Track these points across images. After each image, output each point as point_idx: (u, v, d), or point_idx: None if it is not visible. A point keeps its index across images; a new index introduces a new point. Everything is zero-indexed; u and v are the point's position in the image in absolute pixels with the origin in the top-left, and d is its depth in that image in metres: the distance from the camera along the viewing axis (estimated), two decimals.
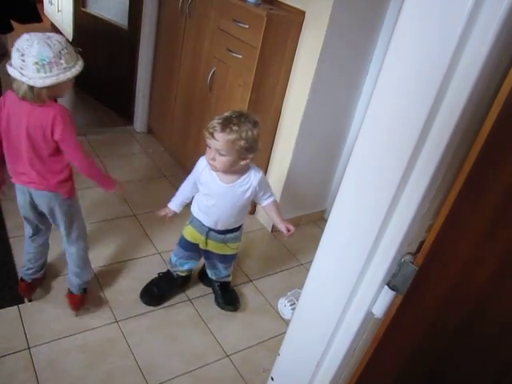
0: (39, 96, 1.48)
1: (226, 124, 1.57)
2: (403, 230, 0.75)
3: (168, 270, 2.13)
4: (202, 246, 1.96)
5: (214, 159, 1.65)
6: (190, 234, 1.97)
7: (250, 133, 1.59)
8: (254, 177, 1.76)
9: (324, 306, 0.92)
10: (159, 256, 2.36)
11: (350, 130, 2.67)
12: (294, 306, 2.04)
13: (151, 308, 2.05)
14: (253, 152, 1.65)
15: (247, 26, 2.25)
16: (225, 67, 2.48)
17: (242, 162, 1.67)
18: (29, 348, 1.76)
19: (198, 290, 2.21)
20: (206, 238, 1.92)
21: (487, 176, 0.67)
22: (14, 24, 2.60)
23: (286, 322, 2.10)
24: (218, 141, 1.59)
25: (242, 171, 1.75)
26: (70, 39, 3.84)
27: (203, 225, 1.90)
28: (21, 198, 1.74)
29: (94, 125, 3.48)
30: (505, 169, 0.65)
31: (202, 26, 2.64)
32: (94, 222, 2.50)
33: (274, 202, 1.88)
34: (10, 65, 1.46)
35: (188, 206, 1.99)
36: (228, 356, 1.93)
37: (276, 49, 2.26)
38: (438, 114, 0.70)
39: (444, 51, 0.66)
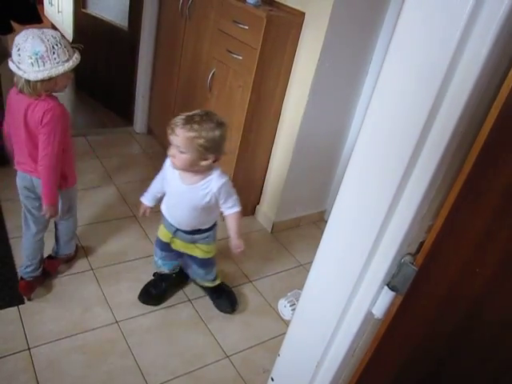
0: (35, 89, 1.55)
1: (188, 121, 1.55)
2: (403, 231, 0.76)
3: None
4: (173, 245, 1.93)
5: (174, 156, 1.62)
6: (162, 233, 1.96)
7: (211, 133, 1.55)
8: (215, 182, 1.69)
9: (324, 306, 0.92)
10: None
11: (349, 130, 2.67)
12: (293, 307, 2.04)
13: (151, 308, 2.05)
14: (214, 153, 1.60)
15: (247, 27, 2.25)
16: (225, 68, 2.48)
17: (203, 163, 1.61)
18: (29, 349, 1.76)
19: (198, 291, 2.21)
20: (173, 237, 1.89)
21: (487, 177, 0.67)
22: (15, 25, 2.60)
23: (286, 323, 2.10)
24: (178, 136, 1.56)
25: (204, 174, 1.69)
26: (71, 40, 3.84)
27: (170, 224, 1.87)
28: (20, 184, 1.82)
29: (94, 126, 3.48)
30: (504, 169, 0.65)
31: (202, 27, 2.64)
32: (94, 223, 2.51)
33: (236, 214, 1.80)
34: (12, 60, 1.55)
35: None
36: (228, 357, 1.93)
37: (276, 50, 2.26)
38: (438, 114, 0.71)
39: (444, 52, 0.66)
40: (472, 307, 0.78)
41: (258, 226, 2.80)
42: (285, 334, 1.14)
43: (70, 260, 2.19)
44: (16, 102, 1.63)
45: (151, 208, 1.95)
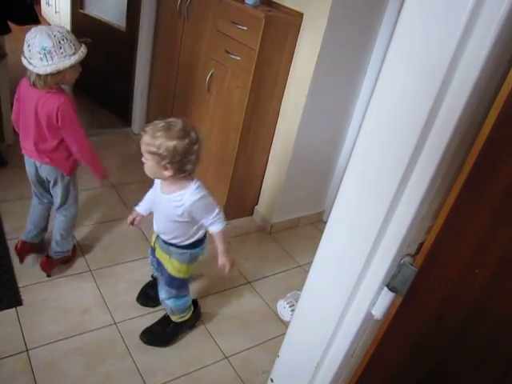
0: (45, 82, 1.67)
1: (153, 128, 1.47)
2: (403, 232, 0.75)
3: None
4: (156, 251, 1.85)
5: (143, 162, 1.55)
6: (152, 236, 1.89)
7: (166, 142, 1.43)
8: (188, 196, 1.57)
9: (324, 307, 0.92)
10: None
11: (348, 131, 2.68)
12: (293, 308, 2.03)
13: (149, 309, 2.05)
14: (172, 164, 1.47)
15: (245, 28, 2.25)
16: (223, 69, 2.48)
17: (165, 173, 1.50)
18: (27, 350, 1.76)
19: (196, 292, 2.21)
20: (156, 243, 1.82)
21: (486, 177, 0.67)
22: (12, 25, 2.59)
23: (285, 324, 2.09)
24: (142, 143, 1.50)
25: (180, 185, 1.58)
26: None
27: (154, 229, 1.81)
28: (28, 168, 1.96)
29: (92, 126, 3.47)
30: (504, 170, 0.65)
31: (200, 27, 2.64)
32: (92, 224, 2.50)
33: (219, 232, 1.67)
34: (24, 56, 1.66)
35: None
36: (227, 358, 1.92)
37: (274, 50, 2.26)
38: (438, 115, 0.71)
39: (444, 53, 0.66)
40: (472, 308, 0.78)
41: (256, 226, 2.80)
42: (284, 334, 1.14)
43: (67, 261, 2.19)
44: (28, 94, 1.75)
45: (143, 216, 1.87)
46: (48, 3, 5.20)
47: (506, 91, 0.61)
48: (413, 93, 0.73)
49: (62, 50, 1.63)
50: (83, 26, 3.64)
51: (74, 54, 1.67)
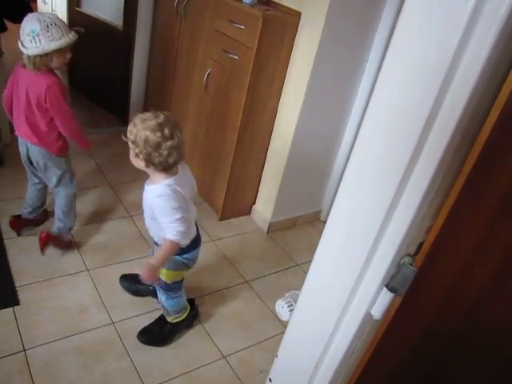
0: (34, 63, 1.80)
1: (138, 116, 1.49)
2: (402, 232, 0.75)
3: None
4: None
5: None
6: None
7: (141, 131, 1.43)
8: (153, 192, 1.55)
9: (323, 307, 0.92)
10: None
11: (345, 129, 2.67)
12: (291, 308, 2.03)
13: (147, 309, 2.05)
14: (143, 155, 1.46)
15: (243, 27, 2.24)
16: (220, 68, 2.48)
17: (140, 163, 1.51)
18: (24, 350, 1.75)
19: (194, 292, 2.20)
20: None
21: (487, 177, 0.67)
22: (8, 24, 2.58)
23: (283, 324, 2.09)
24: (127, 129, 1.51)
25: (156, 180, 1.56)
26: None
27: None
28: (21, 149, 2.06)
29: (89, 126, 3.46)
30: (504, 170, 0.65)
31: (198, 26, 2.63)
32: (89, 223, 2.49)
33: (166, 241, 1.56)
34: (19, 40, 1.80)
35: None
36: (224, 357, 1.92)
37: (272, 49, 2.26)
38: (438, 115, 0.71)
39: (444, 53, 0.66)
40: (471, 308, 0.78)
41: (253, 226, 2.79)
42: (282, 334, 1.14)
43: (63, 245, 2.24)
44: (21, 75, 1.88)
45: None
46: (44, 1, 5.17)
47: (506, 91, 0.61)
48: (413, 93, 0.72)
49: (49, 34, 1.76)
50: (80, 25, 3.61)
51: (61, 38, 1.79)
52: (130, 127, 1.47)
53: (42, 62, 1.81)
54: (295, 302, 1.10)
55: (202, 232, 2.59)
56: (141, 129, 1.44)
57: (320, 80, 2.32)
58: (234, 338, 2.02)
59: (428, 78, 0.70)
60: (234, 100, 2.42)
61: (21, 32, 1.79)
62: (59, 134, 1.97)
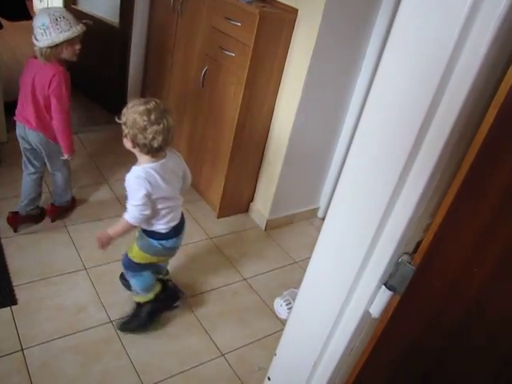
0: (44, 54, 1.95)
1: (132, 101, 1.61)
2: (400, 230, 0.75)
3: None
4: None
5: None
6: None
7: (131, 114, 1.55)
8: (133, 173, 1.64)
9: (321, 305, 0.91)
10: None
11: (343, 126, 2.67)
12: (290, 306, 2.02)
13: None
14: (130, 135, 1.57)
15: (240, 24, 2.23)
16: (217, 65, 2.47)
17: (128, 144, 1.62)
18: (22, 350, 1.75)
19: (192, 289, 2.20)
20: None
21: (485, 176, 0.67)
22: (4, 22, 2.57)
23: (282, 321, 2.10)
24: None
25: (140, 161, 1.66)
26: None
27: None
28: (18, 133, 2.17)
29: (85, 123, 3.45)
30: (503, 168, 0.65)
31: (195, 23, 2.62)
32: (87, 222, 2.48)
33: (123, 220, 1.67)
34: (33, 34, 1.95)
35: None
36: (223, 355, 1.93)
37: (269, 46, 2.25)
38: (436, 113, 0.70)
39: (442, 51, 0.66)
40: (471, 306, 0.78)
41: (251, 223, 2.79)
42: (280, 331, 1.14)
43: (68, 210, 2.49)
44: (31, 65, 2.03)
45: None
46: None
47: (504, 89, 0.61)
48: (410, 91, 0.72)
49: (58, 26, 1.91)
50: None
51: (69, 30, 1.94)
52: (124, 110, 1.59)
53: (52, 53, 1.95)
54: (293, 300, 1.10)
55: (199, 230, 2.61)
56: (131, 112, 1.55)
57: (317, 76, 2.31)
58: (233, 335, 2.02)
59: (425, 75, 0.69)
60: (231, 97, 2.41)
61: (33, 27, 1.94)
62: None
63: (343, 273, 0.84)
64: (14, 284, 2.01)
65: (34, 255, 2.19)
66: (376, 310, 0.82)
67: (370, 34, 2.38)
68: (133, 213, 1.63)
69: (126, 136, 1.60)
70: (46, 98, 2.02)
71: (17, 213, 2.31)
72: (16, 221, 2.30)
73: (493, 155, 0.65)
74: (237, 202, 2.78)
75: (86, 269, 2.19)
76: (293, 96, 2.37)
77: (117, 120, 1.60)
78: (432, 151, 0.72)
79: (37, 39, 1.94)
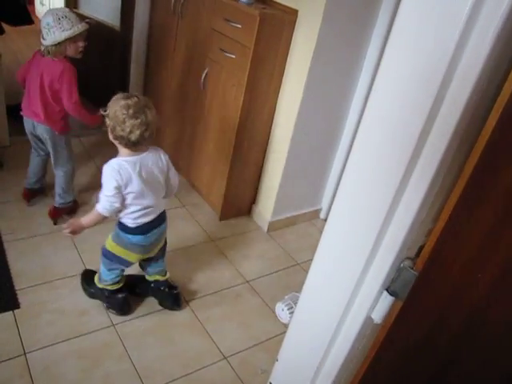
0: (51, 52, 2.09)
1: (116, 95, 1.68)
2: (402, 235, 0.74)
3: None
4: None
5: None
6: None
7: (113, 108, 1.62)
8: (109, 163, 1.69)
9: (323, 310, 0.91)
10: None
11: (344, 127, 2.66)
12: (291, 310, 2.01)
13: (147, 311, 2.04)
14: (110, 126, 1.64)
15: (240, 26, 2.23)
16: (218, 67, 2.46)
17: (110, 135, 1.68)
18: (24, 354, 1.74)
19: (195, 292, 2.19)
20: None
21: (488, 180, 0.66)
22: (6, 27, 2.57)
23: (285, 326, 2.09)
24: None
25: (120, 154, 1.72)
26: None
27: None
28: (27, 127, 2.31)
29: (87, 126, 3.44)
30: (506, 172, 0.64)
31: (195, 25, 2.61)
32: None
33: (95, 210, 1.72)
34: (41, 34, 2.09)
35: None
36: (225, 358, 1.92)
37: (269, 48, 2.24)
38: (437, 116, 0.69)
39: (443, 51, 0.65)
40: (474, 312, 0.77)
41: (253, 225, 2.78)
42: (282, 334, 1.13)
43: (71, 212, 2.50)
44: (36, 61, 2.16)
45: None
46: (42, 3, 5.15)
47: (507, 91, 0.60)
48: (411, 94, 0.71)
49: (60, 25, 2.04)
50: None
51: (71, 28, 2.06)
52: (109, 103, 1.67)
53: (57, 50, 2.09)
54: (295, 304, 1.09)
55: (201, 232, 2.60)
56: (113, 105, 1.63)
57: (318, 78, 2.30)
58: (235, 338, 2.01)
59: (426, 77, 0.68)
60: (232, 99, 2.40)
61: (41, 27, 2.08)
62: (64, 115, 2.24)
63: (344, 278, 0.83)
64: (17, 288, 2.01)
65: (36, 258, 2.19)
66: (378, 315, 0.82)
67: (371, 34, 2.37)
68: (103, 203, 1.69)
69: (107, 127, 1.67)
70: (55, 91, 2.15)
71: (29, 189, 2.50)
72: (28, 195, 2.50)
73: (496, 159, 0.64)
74: (239, 204, 2.77)
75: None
76: (294, 97, 2.36)
77: (101, 112, 1.68)
78: (434, 154, 0.71)
79: (43, 38, 2.08)
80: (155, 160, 1.75)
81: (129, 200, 1.71)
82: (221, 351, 1.94)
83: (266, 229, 2.73)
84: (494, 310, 0.75)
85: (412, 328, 0.82)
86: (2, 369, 1.67)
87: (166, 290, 2.05)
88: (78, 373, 1.72)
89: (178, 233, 2.57)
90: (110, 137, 1.69)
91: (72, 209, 2.52)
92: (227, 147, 2.51)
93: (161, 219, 1.87)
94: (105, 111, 1.66)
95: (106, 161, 2.55)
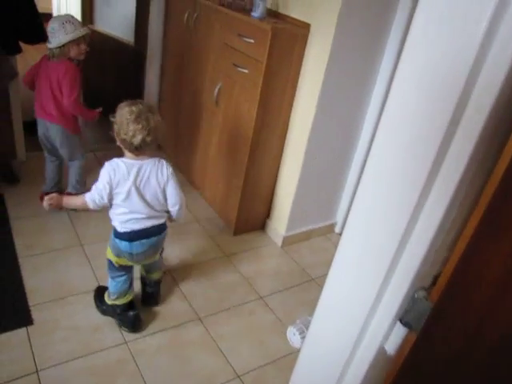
0: (55, 54, 2.28)
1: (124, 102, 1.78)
2: (416, 265, 0.71)
3: None
4: None
5: None
6: None
7: (119, 113, 1.72)
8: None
9: (334, 340, 0.87)
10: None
11: (358, 141, 2.63)
12: (303, 335, 1.96)
13: (160, 327, 2.03)
14: (116, 129, 1.73)
15: (252, 41, 2.23)
16: (231, 82, 2.46)
17: (116, 138, 1.78)
18: (37, 371, 1.74)
19: (208, 308, 2.17)
20: None
21: (508, 208, 0.63)
22: (23, 45, 2.61)
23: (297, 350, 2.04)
24: None
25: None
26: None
27: None
28: (39, 129, 2.47)
29: (102, 141, 3.48)
30: None
31: (208, 40, 2.63)
32: (104, 241, 2.48)
33: (83, 196, 1.82)
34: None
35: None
36: (239, 376, 1.88)
37: (282, 62, 2.23)
38: (455, 136, 0.66)
39: (460, 65, 0.61)
40: (496, 347, 0.72)
41: (268, 240, 2.76)
42: (296, 353, 1.10)
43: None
44: (44, 65, 2.34)
45: None
46: None
47: None
48: (426, 111, 0.68)
49: (64, 29, 2.23)
50: (93, 42, 3.66)
51: (74, 31, 2.25)
52: (116, 109, 1.77)
53: (61, 52, 2.27)
54: (307, 328, 1.06)
55: (215, 247, 2.59)
56: (119, 111, 1.74)
57: (332, 91, 2.28)
58: (249, 355, 1.98)
59: (442, 95, 0.65)
60: (245, 114, 2.40)
61: (47, 32, 2.28)
62: (74, 115, 2.42)
63: (357, 306, 0.80)
64: (30, 304, 2.02)
65: (50, 274, 2.20)
66: (391, 347, 0.78)
67: (384, 48, 2.34)
68: (92, 194, 1.77)
69: (113, 131, 1.77)
70: (62, 92, 2.32)
71: (46, 193, 2.52)
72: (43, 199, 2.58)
73: None
74: (253, 218, 2.75)
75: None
76: (307, 111, 2.34)
77: (110, 118, 1.76)
78: (450, 178, 0.68)
79: (49, 42, 2.27)
80: (155, 170, 1.80)
81: (117, 200, 1.78)
82: (234, 369, 1.91)
83: (280, 244, 2.70)
84: None
85: (428, 362, 0.78)
86: None
87: (146, 287, 2.12)
88: None
89: (191, 248, 2.56)
90: (117, 141, 1.79)
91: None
92: (241, 162, 2.50)
93: (153, 232, 1.86)
94: (113, 117, 1.75)
95: None
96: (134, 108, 1.71)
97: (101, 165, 1.77)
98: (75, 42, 2.28)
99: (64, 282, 2.18)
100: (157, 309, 2.13)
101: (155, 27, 3.11)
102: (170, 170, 1.83)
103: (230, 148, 2.60)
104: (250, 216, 2.72)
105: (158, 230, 1.87)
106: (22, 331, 1.89)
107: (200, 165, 2.92)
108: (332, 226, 2.91)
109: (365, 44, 2.26)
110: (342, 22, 2.09)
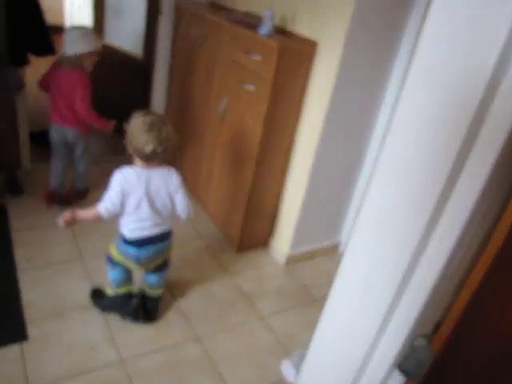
0: (71, 62, 2.43)
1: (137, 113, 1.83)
2: (416, 311, 0.66)
3: None
4: None
5: None
6: None
7: (132, 123, 1.78)
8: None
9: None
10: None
11: (364, 160, 2.58)
12: (298, 370, 1.89)
13: (159, 345, 1.99)
14: (128, 138, 1.78)
15: (259, 58, 2.20)
16: (237, 99, 2.43)
17: (129, 147, 1.81)
18: None
19: (207, 327, 2.12)
20: None
21: None
22: (30, 56, 2.63)
23: None
24: None
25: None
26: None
27: None
28: (55, 135, 2.61)
29: (107, 153, 3.48)
30: None
31: (215, 57, 2.61)
32: (102, 257, 2.46)
33: (96, 208, 1.81)
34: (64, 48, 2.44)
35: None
36: None
37: (289, 80, 2.20)
38: (461, 175, 0.62)
39: (475, 84, 0.56)
40: None
41: (270, 258, 2.71)
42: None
43: (84, 195, 2.85)
44: (58, 74, 2.47)
45: None
46: None
47: None
48: (435, 137, 0.63)
49: (86, 39, 2.41)
50: (101, 55, 3.68)
51: (92, 44, 2.43)
52: (130, 119, 1.82)
53: (77, 59, 2.42)
54: (302, 363, 1.01)
55: (217, 265, 2.54)
56: (133, 120, 1.79)
57: (338, 110, 2.24)
58: (247, 378, 1.92)
59: (449, 126, 0.61)
60: (250, 131, 2.36)
61: (64, 39, 2.42)
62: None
63: (352, 352, 0.75)
64: (27, 318, 1.98)
65: (49, 288, 2.17)
66: None
67: (393, 66, 2.30)
68: (106, 204, 1.79)
69: (126, 140, 1.81)
70: (76, 96, 2.45)
71: (51, 192, 2.72)
72: (50, 197, 2.71)
73: None
74: (256, 236, 2.70)
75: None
76: (313, 128, 2.30)
77: (123, 127, 1.83)
78: (456, 217, 0.63)
79: (66, 49, 2.40)
80: (164, 179, 1.86)
81: (128, 208, 1.82)
82: None
83: (283, 262, 2.65)
84: None
85: None
86: None
87: (147, 302, 2.12)
88: None
89: (193, 264, 2.52)
90: (129, 150, 1.82)
91: (84, 193, 2.86)
92: (245, 179, 2.47)
93: (160, 238, 1.94)
94: (126, 126, 1.81)
95: None
96: (147, 118, 1.76)
97: (103, 177, 1.79)
98: (92, 53, 2.45)
99: (63, 296, 2.14)
100: (155, 326, 2.09)
101: (163, 42, 3.11)
102: (180, 178, 1.90)
103: (234, 164, 2.57)
104: (254, 233, 2.67)
105: (164, 237, 1.96)
106: (16, 347, 1.85)
107: (204, 180, 2.89)
108: (336, 245, 2.86)
109: (373, 60, 2.23)
110: (351, 39, 2.05)
